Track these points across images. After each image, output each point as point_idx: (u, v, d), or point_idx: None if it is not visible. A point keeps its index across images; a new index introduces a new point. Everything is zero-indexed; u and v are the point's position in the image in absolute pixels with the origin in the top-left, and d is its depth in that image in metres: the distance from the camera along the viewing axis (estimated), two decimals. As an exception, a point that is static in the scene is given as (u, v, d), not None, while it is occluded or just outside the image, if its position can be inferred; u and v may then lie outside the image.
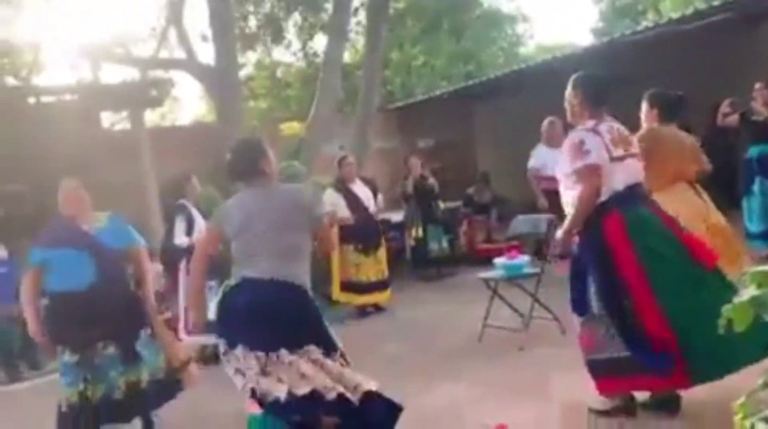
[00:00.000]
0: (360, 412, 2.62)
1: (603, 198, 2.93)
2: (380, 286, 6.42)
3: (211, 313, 5.23)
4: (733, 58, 8.15)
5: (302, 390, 2.58)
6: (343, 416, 2.62)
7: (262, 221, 2.85)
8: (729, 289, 2.72)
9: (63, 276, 3.45)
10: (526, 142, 7.01)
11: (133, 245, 3.72)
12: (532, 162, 6.62)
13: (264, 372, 2.66)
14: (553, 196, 6.01)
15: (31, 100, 7.87)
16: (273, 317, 2.75)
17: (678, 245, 2.92)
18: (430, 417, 3.48)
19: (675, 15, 8.71)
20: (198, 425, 3.92)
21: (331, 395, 2.59)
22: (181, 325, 5.34)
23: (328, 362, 2.75)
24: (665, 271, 2.82)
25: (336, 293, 6.35)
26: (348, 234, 6.27)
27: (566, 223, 3.04)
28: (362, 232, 6.33)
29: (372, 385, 2.70)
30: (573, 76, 3.18)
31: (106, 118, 12.10)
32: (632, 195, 2.97)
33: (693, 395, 3.00)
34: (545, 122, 6.56)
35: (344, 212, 6.23)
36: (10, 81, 14.35)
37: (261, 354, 2.69)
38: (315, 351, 2.75)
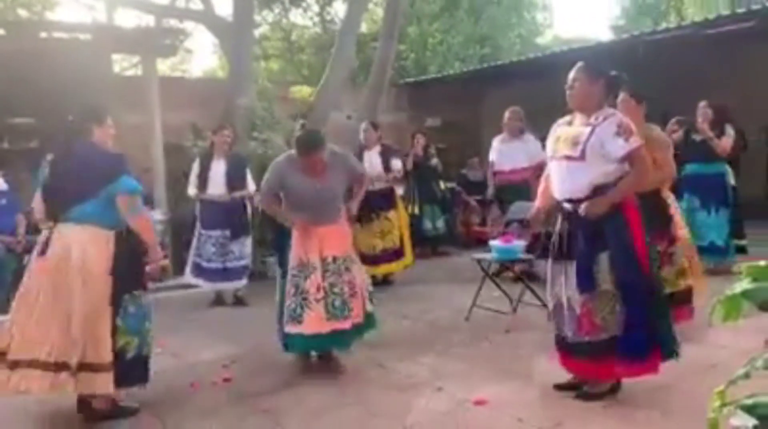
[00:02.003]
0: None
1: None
2: (373, 259, 6.25)
3: (209, 262, 5.84)
4: (751, 68, 8.14)
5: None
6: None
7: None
8: None
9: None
10: (532, 130, 7.01)
11: None
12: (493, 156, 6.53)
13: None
14: (507, 189, 6.27)
15: (43, 34, 7.80)
16: None
17: None
18: (411, 386, 3.54)
19: (698, 18, 8.67)
20: (187, 372, 3.97)
21: None
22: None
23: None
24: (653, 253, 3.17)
25: None
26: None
27: (617, 193, 3.00)
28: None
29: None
30: (590, 65, 3.16)
31: (117, 63, 12.05)
32: None
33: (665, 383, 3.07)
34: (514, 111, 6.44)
35: None
36: (23, 14, 14.22)
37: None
38: None
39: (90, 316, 3.05)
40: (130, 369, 3.17)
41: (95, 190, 3.11)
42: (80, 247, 3.08)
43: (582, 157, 3.02)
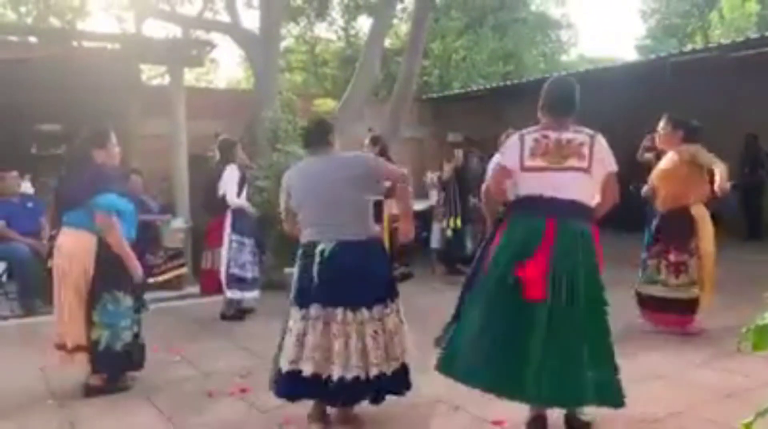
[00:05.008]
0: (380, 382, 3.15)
1: (511, 198, 3.05)
2: None
3: (246, 271, 5.57)
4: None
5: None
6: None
7: (322, 184, 3.15)
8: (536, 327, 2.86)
9: (127, 226, 3.72)
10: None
11: None
12: None
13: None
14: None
15: (74, 43, 7.94)
16: (343, 275, 3.10)
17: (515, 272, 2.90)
18: (426, 404, 3.51)
19: (725, 40, 8.59)
20: (203, 381, 3.98)
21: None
22: (223, 280, 5.56)
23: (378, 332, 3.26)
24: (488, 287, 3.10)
25: None
26: None
27: None
28: None
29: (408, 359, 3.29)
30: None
31: (144, 71, 12.23)
32: (531, 205, 2.91)
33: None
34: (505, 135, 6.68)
35: None
36: (55, 22, 14.53)
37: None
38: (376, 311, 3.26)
39: (73, 306, 3.60)
40: (103, 357, 3.62)
41: (82, 201, 3.58)
42: (67, 247, 3.61)
43: None
